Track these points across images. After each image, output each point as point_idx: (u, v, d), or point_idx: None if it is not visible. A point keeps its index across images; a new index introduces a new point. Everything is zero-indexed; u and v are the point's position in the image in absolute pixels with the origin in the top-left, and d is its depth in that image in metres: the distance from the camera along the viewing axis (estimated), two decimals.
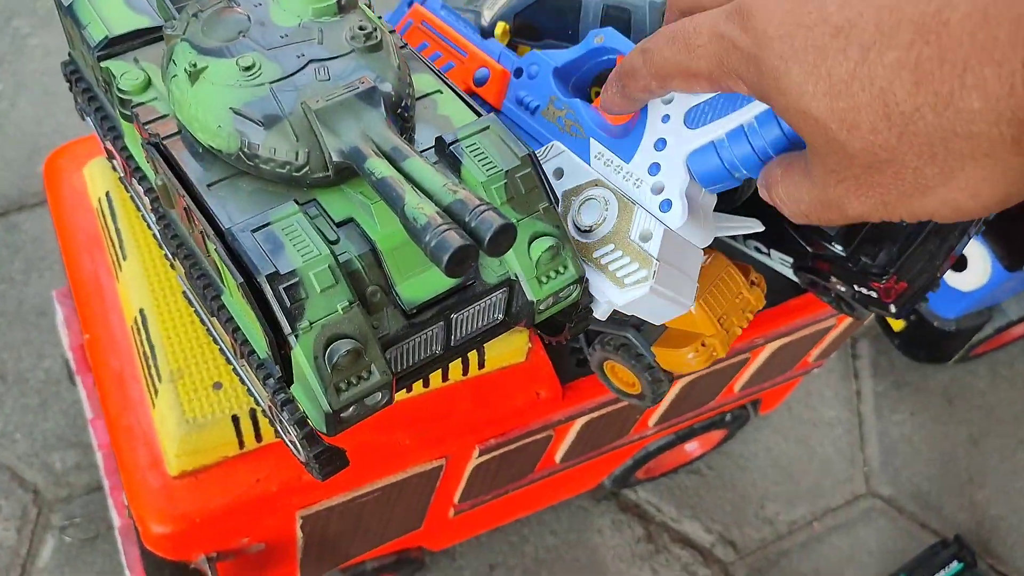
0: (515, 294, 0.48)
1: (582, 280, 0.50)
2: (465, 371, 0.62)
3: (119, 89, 0.50)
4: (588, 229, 0.53)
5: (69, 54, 0.60)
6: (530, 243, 0.47)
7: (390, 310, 0.45)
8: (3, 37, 1.33)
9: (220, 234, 0.44)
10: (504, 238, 0.40)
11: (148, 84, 0.50)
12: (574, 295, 0.50)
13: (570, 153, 0.56)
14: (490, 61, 0.62)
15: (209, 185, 0.46)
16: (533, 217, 0.48)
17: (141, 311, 0.59)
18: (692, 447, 1.08)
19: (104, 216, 0.64)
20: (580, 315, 0.53)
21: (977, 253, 0.98)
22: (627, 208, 0.52)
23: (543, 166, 0.55)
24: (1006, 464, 1.18)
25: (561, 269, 0.49)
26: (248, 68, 0.45)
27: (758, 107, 0.51)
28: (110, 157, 0.61)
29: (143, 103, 0.50)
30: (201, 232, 0.45)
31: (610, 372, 0.65)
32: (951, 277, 1.01)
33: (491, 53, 0.63)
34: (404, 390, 0.60)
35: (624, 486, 1.09)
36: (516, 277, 0.48)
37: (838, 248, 0.68)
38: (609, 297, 0.51)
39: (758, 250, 0.72)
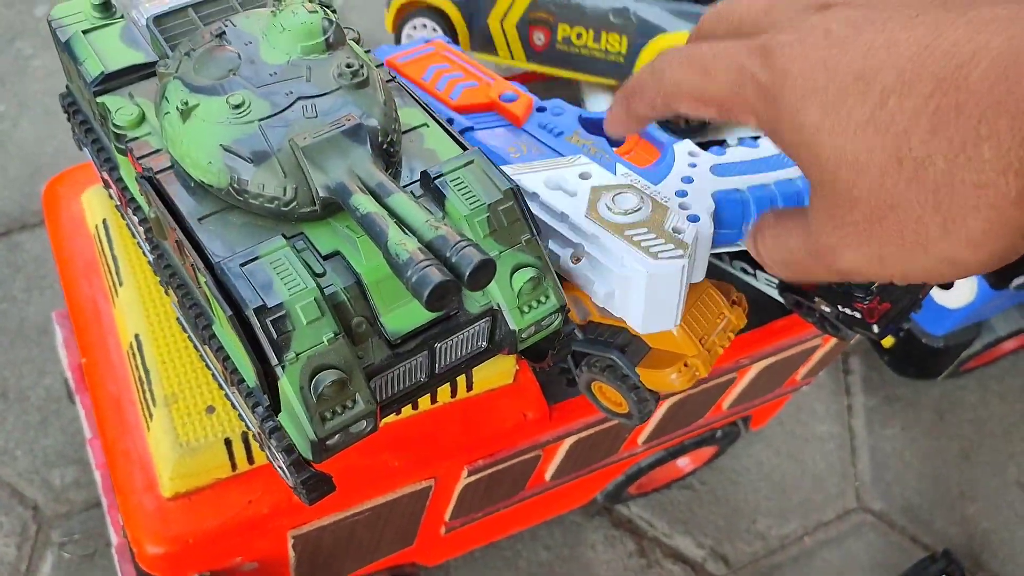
0: (498, 323, 0.50)
1: (563, 309, 0.51)
2: (453, 394, 0.63)
3: (114, 124, 0.52)
4: (624, 212, 0.54)
5: (67, 86, 0.61)
6: (512, 274, 0.49)
7: (375, 340, 0.46)
8: (6, 58, 1.35)
9: (210, 267, 0.45)
10: (483, 274, 0.41)
11: (142, 119, 0.52)
12: (555, 323, 0.52)
13: (597, 164, 0.58)
14: (518, 89, 0.65)
15: (200, 219, 0.48)
16: (515, 249, 0.49)
17: (136, 336, 0.61)
18: (684, 463, 1.09)
19: (101, 242, 0.66)
20: (562, 342, 0.55)
21: None
22: (660, 206, 0.55)
23: (570, 170, 0.57)
24: (997, 478, 1.19)
25: (543, 299, 0.50)
26: (238, 106, 0.47)
27: (785, 173, 0.56)
28: (106, 186, 0.62)
29: (137, 138, 0.51)
30: (192, 264, 0.47)
31: (598, 392, 0.66)
32: (938, 294, 1.02)
33: (517, 86, 0.66)
34: (392, 413, 0.62)
35: (617, 501, 1.10)
36: (498, 307, 0.49)
37: None
38: (637, 266, 0.52)
39: (744, 271, 0.74)
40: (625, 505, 1.14)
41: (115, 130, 0.52)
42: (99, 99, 0.53)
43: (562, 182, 0.57)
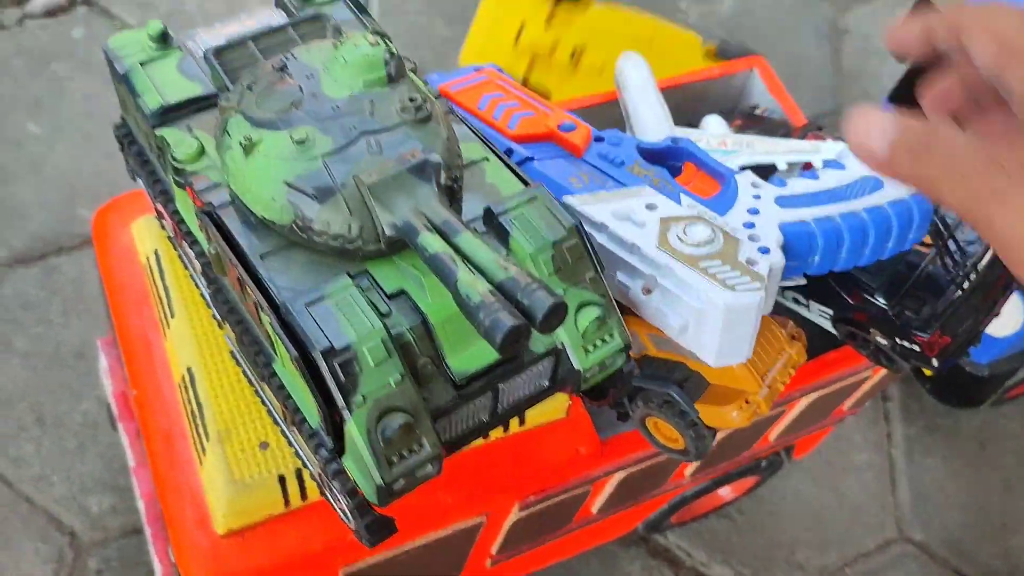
0: (561, 362, 0.49)
1: (627, 348, 0.50)
2: (506, 428, 0.63)
3: (174, 158, 0.51)
4: (697, 244, 0.54)
5: (122, 117, 0.61)
6: (577, 312, 0.48)
7: (440, 381, 0.46)
8: (41, 80, 1.35)
9: (275, 307, 0.45)
10: (555, 317, 0.40)
11: (201, 152, 0.52)
12: (619, 363, 0.51)
13: (663, 195, 0.58)
14: (576, 120, 0.64)
15: (262, 255, 0.47)
16: (580, 287, 0.48)
17: (189, 369, 0.60)
18: (725, 492, 1.08)
19: (152, 273, 0.65)
20: (623, 380, 0.54)
21: (1010, 299, 0.98)
22: (731, 238, 0.54)
23: (637, 200, 0.56)
24: None
25: (607, 338, 0.49)
26: (301, 142, 0.46)
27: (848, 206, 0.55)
28: (159, 217, 0.62)
29: (197, 172, 0.51)
30: (255, 303, 0.46)
31: (652, 428, 0.65)
32: None
33: (573, 115, 0.65)
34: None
35: (657, 531, 1.08)
36: (563, 346, 0.48)
37: (881, 301, 0.68)
38: (714, 299, 0.52)
39: (796, 301, 0.72)
40: (662, 534, 1.12)
41: (174, 164, 0.51)
42: (158, 132, 0.53)
43: (630, 213, 0.57)
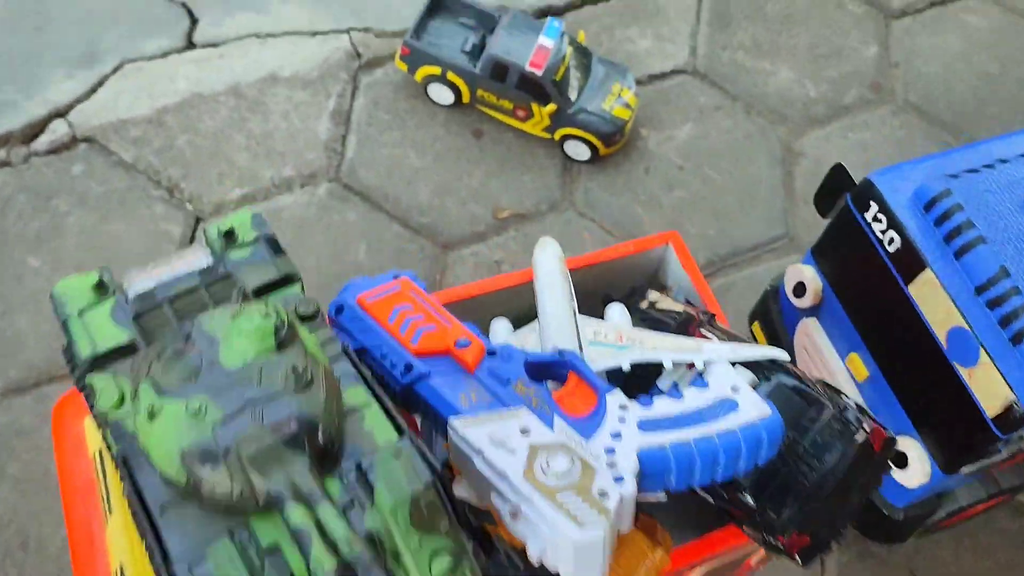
0: None
1: None
2: None
3: (97, 407, 0.60)
4: (557, 475, 0.61)
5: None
6: (431, 559, 0.56)
7: None
8: (44, 217, 1.46)
9: (167, 561, 0.53)
10: None
11: (121, 401, 0.60)
12: None
13: (536, 418, 0.66)
14: (472, 335, 0.72)
15: (162, 507, 0.56)
16: (434, 535, 0.56)
17: (121, 567, 0.69)
18: None
19: (98, 469, 0.74)
20: None
21: (916, 455, 1.05)
22: (589, 468, 0.61)
23: (511, 423, 0.64)
24: None
25: None
26: (195, 413, 0.55)
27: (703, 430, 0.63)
28: None
29: (116, 420, 0.60)
30: (150, 547, 0.55)
31: None
32: (896, 473, 1.07)
33: (472, 329, 0.73)
34: None
35: None
36: None
37: (748, 499, 0.75)
38: (567, 534, 0.59)
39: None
40: None
41: (97, 412, 0.60)
42: (87, 379, 0.62)
43: (504, 439, 0.64)
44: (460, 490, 0.68)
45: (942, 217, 1.01)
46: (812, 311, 1.21)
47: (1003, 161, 1.07)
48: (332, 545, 0.51)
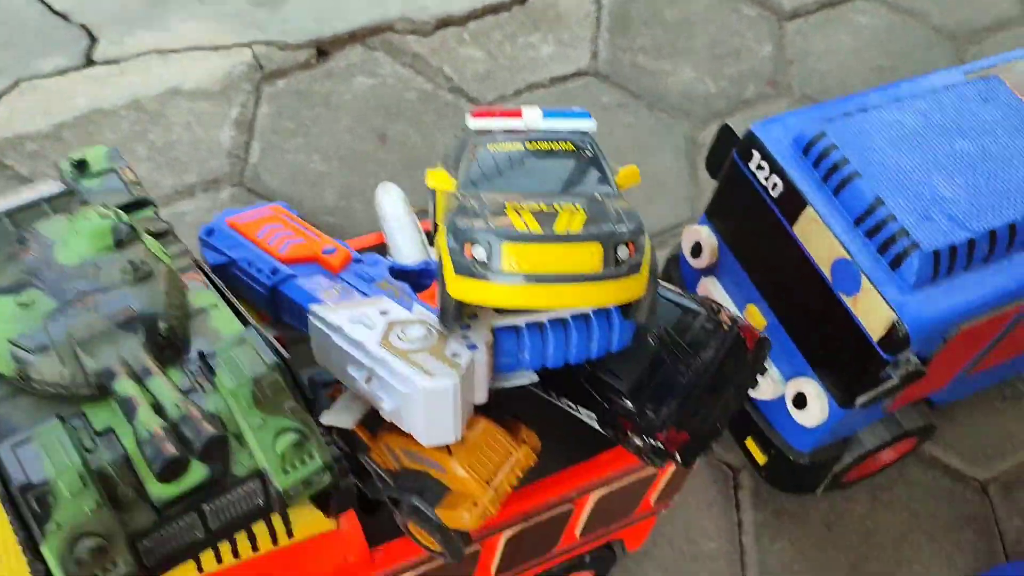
0: (267, 483, 0.56)
1: (332, 467, 0.57)
2: (274, 541, 0.69)
3: None
4: (411, 341, 0.64)
5: None
6: (276, 437, 0.55)
7: (141, 506, 0.52)
8: None
9: None
10: (216, 448, 0.48)
11: None
12: (326, 480, 0.58)
13: (397, 304, 0.68)
14: (339, 245, 0.74)
15: None
16: (279, 416, 0.56)
17: None
18: None
19: None
20: (342, 496, 0.61)
21: (813, 392, 1.06)
22: (444, 337, 0.64)
23: (372, 307, 0.66)
24: None
25: (307, 459, 0.56)
26: (24, 305, 0.54)
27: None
28: None
29: None
30: None
31: (415, 532, 0.72)
32: (795, 413, 1.08)
33: (342, 244, 0.75)
34: (216, 562, 0.67)
35: None
36: (265, 469, 0.55)
37: (628, 403, 0.75)
38: (418, 384, 0.61)
39: (569, 406, 0.80)
40: None
41: None
42: None
43: (364, 318, 0.66)
44: (329, 417, 0.68)
45: (819, 157, 1.04)
46: (710, 270, 1.22)
47: (877, 107, 1.11)
48: (159, 409, 0.50)
